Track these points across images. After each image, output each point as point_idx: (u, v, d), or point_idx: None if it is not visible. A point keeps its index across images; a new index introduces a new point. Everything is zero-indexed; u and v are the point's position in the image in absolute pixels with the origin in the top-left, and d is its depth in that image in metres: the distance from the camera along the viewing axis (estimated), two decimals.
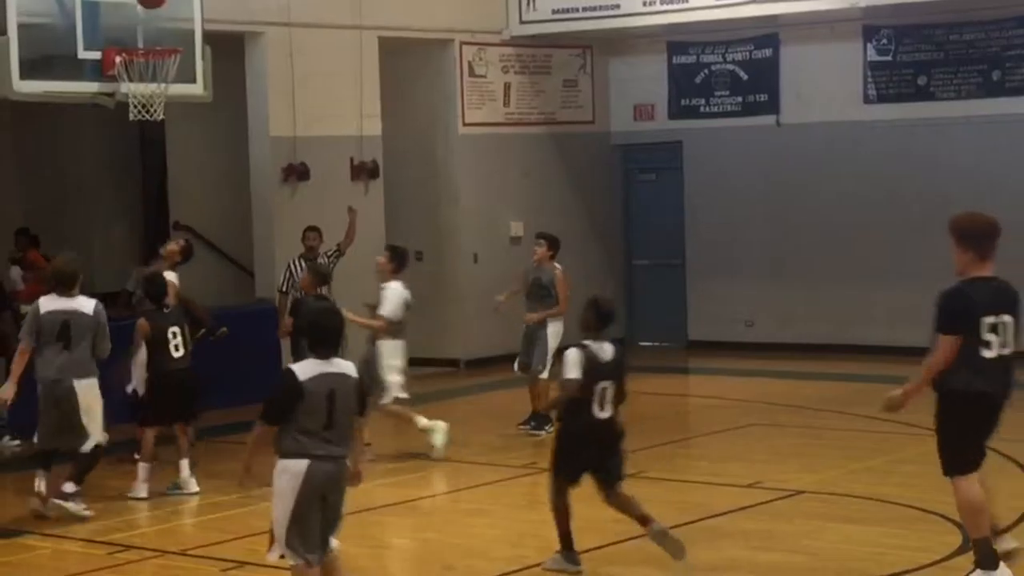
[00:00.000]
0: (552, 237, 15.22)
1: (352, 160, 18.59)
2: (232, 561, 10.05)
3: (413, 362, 19.59)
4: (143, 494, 12.23)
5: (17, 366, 11.77)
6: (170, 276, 13.53)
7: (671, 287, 21.45)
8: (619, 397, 9.61)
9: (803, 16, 19.05)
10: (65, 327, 11.55)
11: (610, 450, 9.61)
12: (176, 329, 12.60)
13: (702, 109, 21.07)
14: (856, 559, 9.71)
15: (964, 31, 19.09)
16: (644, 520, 9.59)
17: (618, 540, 10.36)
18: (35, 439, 11.96)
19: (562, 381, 9.55)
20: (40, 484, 11.85)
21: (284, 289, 16.06)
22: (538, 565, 9.73)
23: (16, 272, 17.78)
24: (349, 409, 8.06)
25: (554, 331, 14.80)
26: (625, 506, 9.63)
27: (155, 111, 14.44)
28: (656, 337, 21.73)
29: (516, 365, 15.10)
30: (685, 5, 19.14)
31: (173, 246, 14.73)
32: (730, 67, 20.77)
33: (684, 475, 13.09)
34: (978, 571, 8.69)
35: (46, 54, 13.99)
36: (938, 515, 10.43)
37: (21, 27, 13.75)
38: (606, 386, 9.47)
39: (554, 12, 20.06)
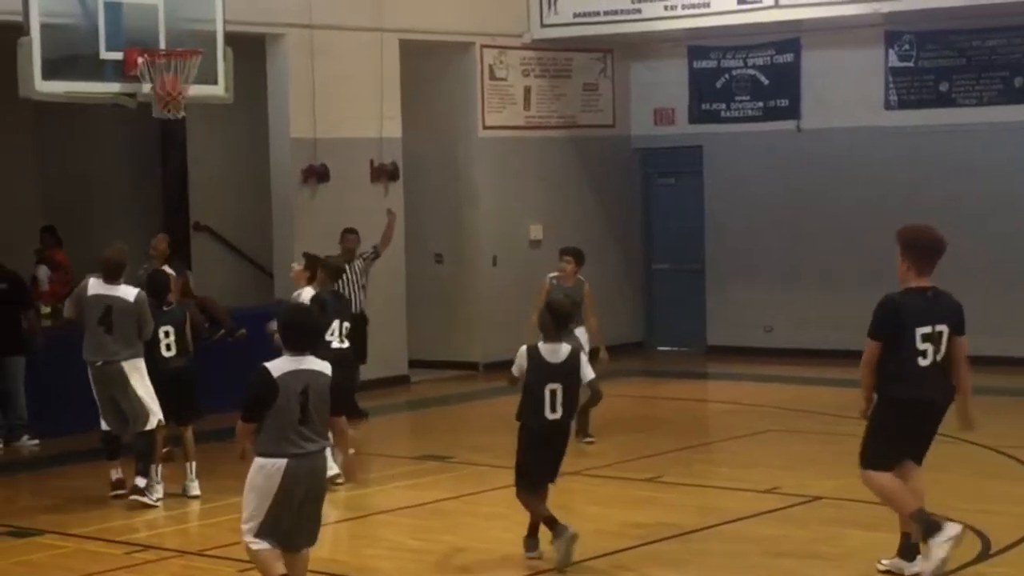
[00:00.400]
0: (578, 252, 14.67)
1: (372, 162, 18.59)
2: (250, 562, 10.04)
3: (432, 365, 19.76)
4: (158, 494, 12.23)
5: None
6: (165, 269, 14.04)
7: (690, 292, 21.42)
8: (573, 400, 9.88)
9: (825, 21, 18.98)
10: (107, 312, 12.02)
11: (557, 452, 9.97)
12: (169, 328, 12.53)
13: (723, 114, 21.04)
14: (873, 565, 9.67)
15: (986, 37, 19.03)
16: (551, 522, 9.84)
17: (641, 543, 10.41)
18: (102, 425, 12.31)
19: None
20: (115, 474, 12.36)
21: None
22: (553, 569, 9.74)
23: (44, 272, 17.78)
24: (323, 405, 8.21)
25: (585, 340, 14.50)
26: (540, 503, 9.93)
27: (176, 112, 14.48)
28: (675, 342, 21.72)
29: None
30: (706, 10, 19.11)
31: (163, 245, 15.52)
32: (751, 72, 20.74)
33: (702, 480, 13.05)
34: (929, 542, 8.79)
35: (68, 54, 14.04)
36: (956, 522, 10.37)
37: (43, 27, 13.80)
38: (555, 388, 9.80)
39: (575, 16, 20.03)
